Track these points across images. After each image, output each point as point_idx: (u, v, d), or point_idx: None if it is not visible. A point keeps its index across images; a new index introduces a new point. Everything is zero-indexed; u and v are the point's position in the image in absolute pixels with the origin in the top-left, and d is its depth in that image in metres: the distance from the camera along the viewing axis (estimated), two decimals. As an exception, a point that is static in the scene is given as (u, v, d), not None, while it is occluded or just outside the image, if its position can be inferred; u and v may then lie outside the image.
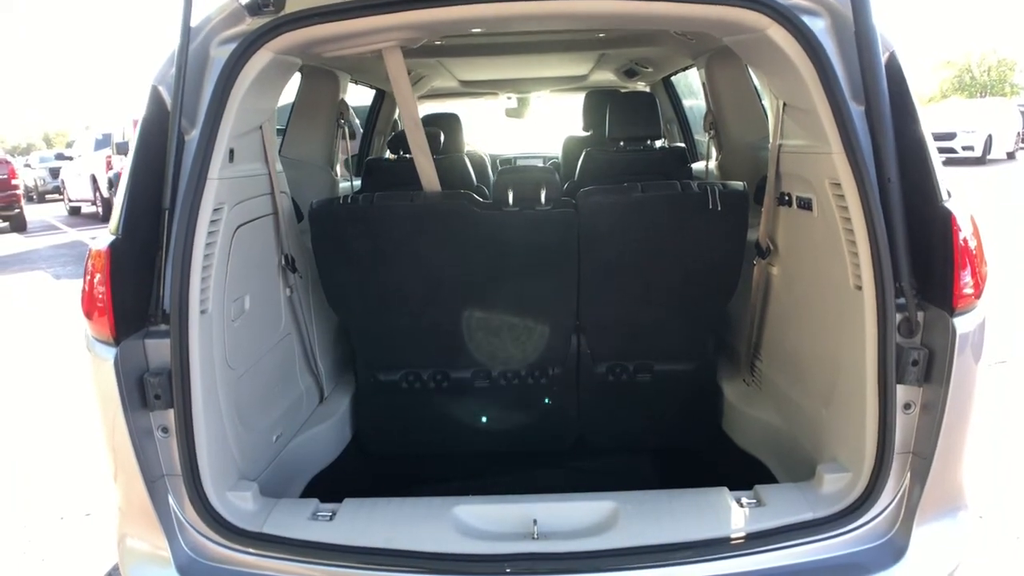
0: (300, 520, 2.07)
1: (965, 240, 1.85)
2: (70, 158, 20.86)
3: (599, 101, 4.92)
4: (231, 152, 2.17)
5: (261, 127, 2.44)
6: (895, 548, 1.94)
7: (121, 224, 1.96)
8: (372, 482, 2.83)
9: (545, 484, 2.35)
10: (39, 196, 24.94)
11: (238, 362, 2.31)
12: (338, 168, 4.07)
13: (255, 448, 2.37)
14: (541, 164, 6.52)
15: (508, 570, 1.90)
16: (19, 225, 16.45)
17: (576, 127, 5.29)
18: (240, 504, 2.10)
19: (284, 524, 2.05)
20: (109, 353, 1.91)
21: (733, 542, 1.93)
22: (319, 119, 3.81)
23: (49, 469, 4.15)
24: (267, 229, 2.59)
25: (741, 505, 2.04)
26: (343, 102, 3.88)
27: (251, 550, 1.99)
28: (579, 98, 6.15)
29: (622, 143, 3.67)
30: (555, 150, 7.16)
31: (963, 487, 2.03)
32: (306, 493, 2.66)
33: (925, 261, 1.89)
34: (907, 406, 1.92)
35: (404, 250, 2.75)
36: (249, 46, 2.07)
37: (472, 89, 5.89)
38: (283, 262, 2.68)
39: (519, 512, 2.09)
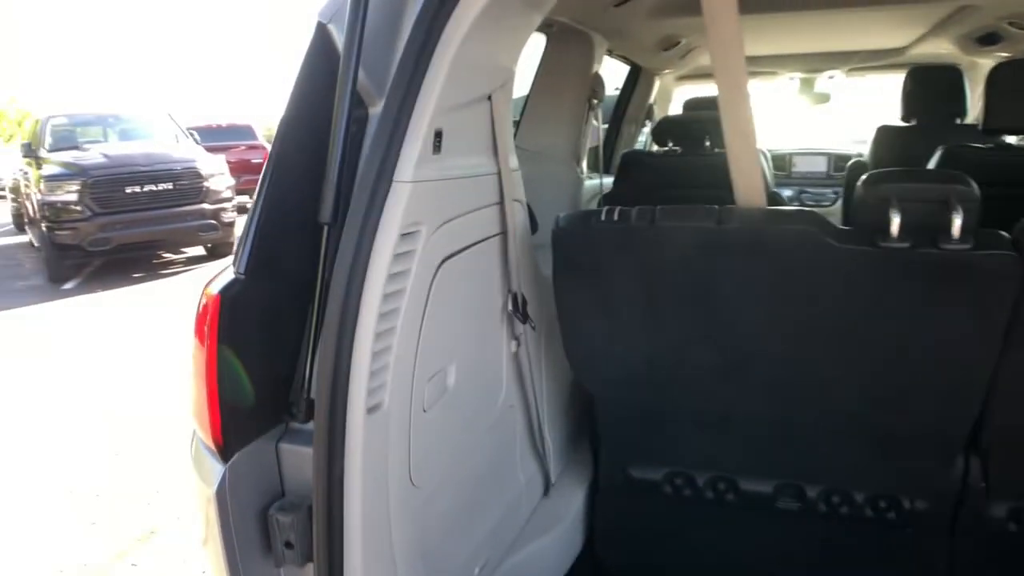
0: None
1: None
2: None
3: (939, 78, 3.66)
4: (438, 136, 1.31)
5: (490, 98, 1.57)
6: None
7: (247, 254, 1.16)
8: None
9: None
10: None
11: (428, 475, 1.45)
12: (583, 163, 3.17)
13: None
14: (826, 161, 5.20)
15: None
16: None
17: (849, 115, 4.04)
18: None
19: None
20: (215, 472, 1.13)
21: None
22: (567, 96, 2.90)
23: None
24: (490, 258, 1.72)
25: None
26: (597, 76, 2.96)
27: None
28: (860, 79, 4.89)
29: (1005, 138, 2.45)
30: (834, 144, 5.82)
31: None
32: None
33: None
34: None
35: (695, 293, 1.75)
36: None
37: (749, 67, 4.71)
38: (510, 305, 1.81)
39: None
